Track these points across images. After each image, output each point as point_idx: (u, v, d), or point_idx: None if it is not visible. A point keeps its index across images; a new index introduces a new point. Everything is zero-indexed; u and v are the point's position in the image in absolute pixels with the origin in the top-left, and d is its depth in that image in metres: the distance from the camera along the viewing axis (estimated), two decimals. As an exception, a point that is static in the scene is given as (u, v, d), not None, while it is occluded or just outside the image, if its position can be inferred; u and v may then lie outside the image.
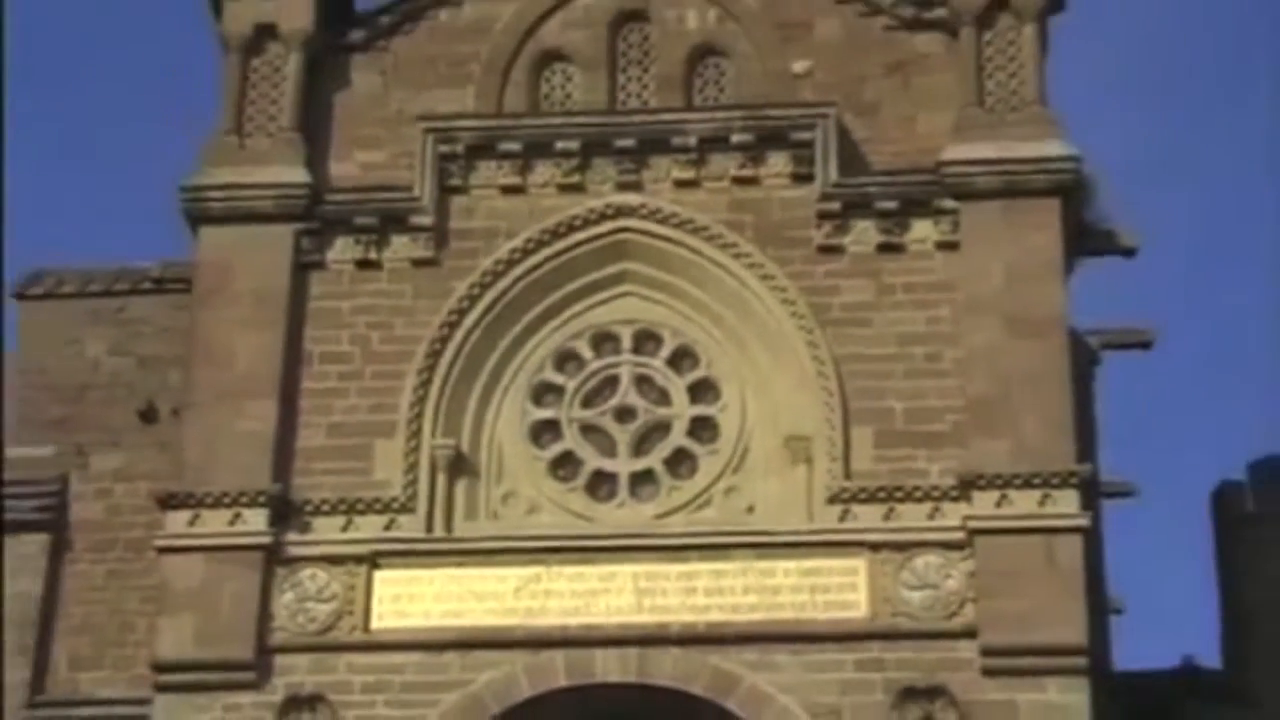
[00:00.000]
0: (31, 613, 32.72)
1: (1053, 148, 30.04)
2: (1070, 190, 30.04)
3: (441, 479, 29.28)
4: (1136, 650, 32.90)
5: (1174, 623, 40.17)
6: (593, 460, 29.59)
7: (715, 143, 30.40)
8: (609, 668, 28.03)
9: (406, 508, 29.03)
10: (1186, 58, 75.55)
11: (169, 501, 29.09)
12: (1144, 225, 32.61)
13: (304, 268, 30.36)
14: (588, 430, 29.78)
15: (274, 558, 28.67)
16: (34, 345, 34.71)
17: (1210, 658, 33.73)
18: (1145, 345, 34.43)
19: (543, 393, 30.03)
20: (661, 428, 29.71)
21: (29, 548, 33.18)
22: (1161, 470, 33.43)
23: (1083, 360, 31.90)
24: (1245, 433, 55.60)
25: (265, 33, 31.45)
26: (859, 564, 28.25)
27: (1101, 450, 31.76)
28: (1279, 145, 73.89)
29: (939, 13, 31.10)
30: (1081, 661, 27.54)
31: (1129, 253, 32.25)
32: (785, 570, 28.39)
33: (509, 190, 30.57)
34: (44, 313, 34.90)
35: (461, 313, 29.99)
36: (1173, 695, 32.51)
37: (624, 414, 29.80)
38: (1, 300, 33.89)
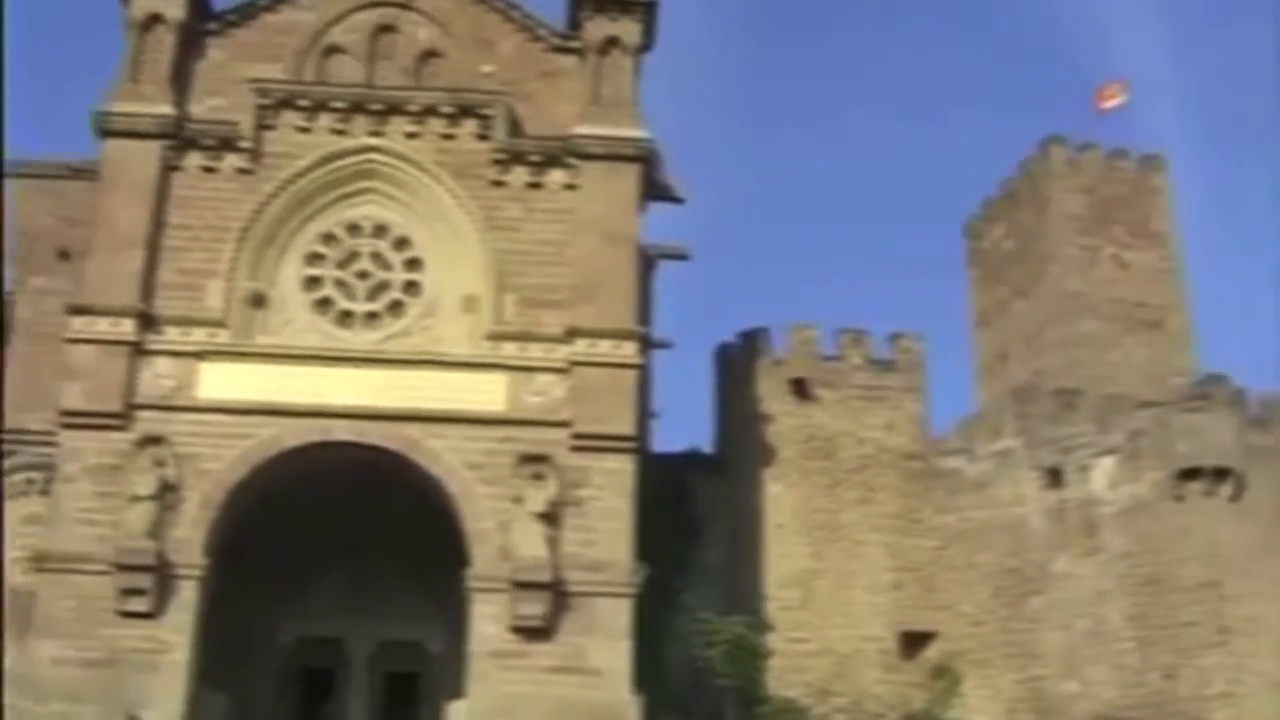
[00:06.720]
0: (-8, 368, 32.54)
1: (637, 131, 30.02)
2: (646, 158, 30.09)
3: (247, 308, 28.71)
4: (665, 440, 33.89)
5: (687, 425, 40.83)
6: (341, 303, 29.30)
7: (431, 111, 29.98)
8: (341, 431, 27.76)
9: (224, 324, 28.49)
10: (721, 78, 77.49)
11: (75, 310, 28.28)
12: (690, 183, 32.39)
13: (169, 169, 29.42)
14: (339, 284, 29.40)
15: (138, 350, 28.08)
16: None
17: (706, 447, 34.27)
18: (683, 257, 34.97)
19: (313, 258, 29.56)
20: (386, 285, 29.41)
21: None
22: (688, 333, 33.79)
23: (646, 264, 32.18)
24: (736, 313, 57.63)
25: (154, 19, 30.27)
26: (502, 378, 28.36)
27: (654, 318, 32.38)
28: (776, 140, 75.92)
29: (575, 44, 30.95)
30: (631, 445, 28.08)
31: (679, 201, 32.15)
32: (457, 379, 28.30)
33: (301, 130, 29.89)
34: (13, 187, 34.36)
35: (265, 205, 29.38)
36: (683, 467, 32.97)
37: (363, 275, 29.46)
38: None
